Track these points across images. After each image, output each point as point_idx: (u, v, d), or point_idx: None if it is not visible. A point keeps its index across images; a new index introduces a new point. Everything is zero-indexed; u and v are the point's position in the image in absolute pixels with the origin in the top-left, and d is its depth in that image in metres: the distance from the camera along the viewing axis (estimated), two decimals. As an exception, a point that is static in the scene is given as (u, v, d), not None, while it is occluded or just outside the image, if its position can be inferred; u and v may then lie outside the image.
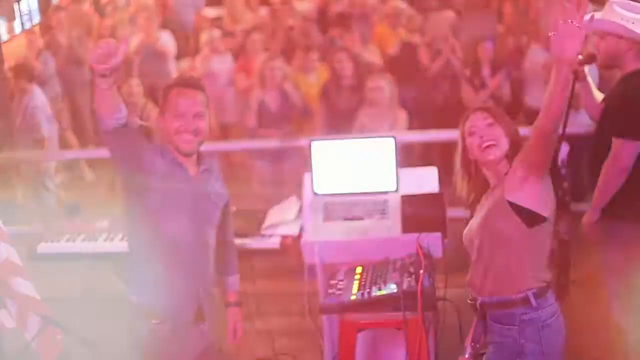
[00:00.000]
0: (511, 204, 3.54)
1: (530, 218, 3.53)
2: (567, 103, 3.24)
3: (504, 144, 3.66)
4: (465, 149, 3.78)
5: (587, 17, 4.75)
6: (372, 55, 8.99)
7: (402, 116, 7.37)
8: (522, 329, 3.62)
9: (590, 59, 4.71)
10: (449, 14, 9.95)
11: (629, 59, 4.62)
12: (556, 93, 3.21)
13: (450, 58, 8.74)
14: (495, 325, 3.70)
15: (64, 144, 10.26)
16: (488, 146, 3.65)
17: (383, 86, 7.30)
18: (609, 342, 5.26)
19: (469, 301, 3.81)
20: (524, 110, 8.52)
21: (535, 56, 8.47)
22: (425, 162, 7.01)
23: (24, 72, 8.64)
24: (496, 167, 3.67)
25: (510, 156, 3.63)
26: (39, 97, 8.58)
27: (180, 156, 3.93)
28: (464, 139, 3.77)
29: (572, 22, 3.08)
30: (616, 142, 4.55)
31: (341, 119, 7.64)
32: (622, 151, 4.54)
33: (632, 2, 4.59)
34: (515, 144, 3.63)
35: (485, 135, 3.66)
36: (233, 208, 4.90)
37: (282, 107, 7.68)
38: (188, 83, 3.95)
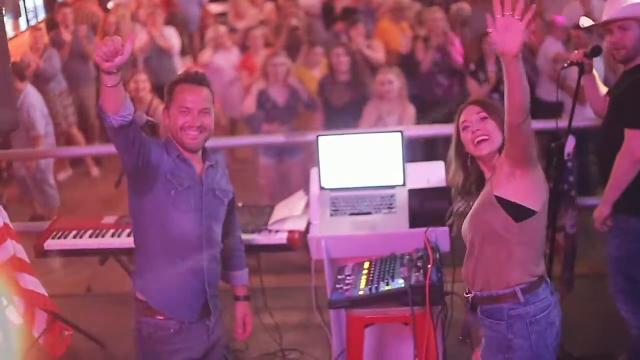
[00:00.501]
0: (499, 198, 3.51)
1: (518, 212, 3.50)
2: (525, 93, 3.20)
3: (498, 139, 3.61)
4: (459, 142, 3.76)
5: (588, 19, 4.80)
6: (376, 51, 8.97)
7: (411, 109, 7.38)
8: (510, 324, 3.59)
9: (596, 51, 4.70)
10: (464, 6, 9.96)
11: None
12: (512, 86, 3.17)
13: (451, 52, 8.73)
14: (486, 320, 3.68)
15: (69, 141, 10.29)
16: (481, 141, 3.62)
17: (392, 79, 7.33)
18: (613, 334, 5.27)
19: (465, 294, 3.81)
20: (536, 103, 8.50)
21: (548, 48, 8.45)
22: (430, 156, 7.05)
23: (16, 71, 8.62)
24: (490, 161, 3.64)
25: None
26: (33, 95, 8.55)
27: (185, 152, 3.93)
28: (458, 132, 3.76)
29: (510, 15, 3.05)
30: (629, 134, 4.52)
31: (336, 114, 7.65)
32: (635, 142, 4.51)
33: None
34: None
35: (478, 130, 3.63)
36: (239, 204, 4.91)
37: (289, 101, 7.67)
38: (193, 79, 3.93)
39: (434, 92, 8.68)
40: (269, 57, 7.85)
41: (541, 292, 3.59)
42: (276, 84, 7.66)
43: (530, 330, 3.56)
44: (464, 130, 3.70)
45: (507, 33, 3.05)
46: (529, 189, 3.50)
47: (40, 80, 9.82)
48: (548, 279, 3.67)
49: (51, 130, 8.81)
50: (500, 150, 3.60)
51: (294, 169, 7.74)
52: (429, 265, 4.19)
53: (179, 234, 3.88)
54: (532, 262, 3.59)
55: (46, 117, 8.66)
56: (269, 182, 7.93)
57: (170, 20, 11.34)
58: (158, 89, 8.84)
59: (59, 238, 5.35)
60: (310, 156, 7.47)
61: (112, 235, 5.27)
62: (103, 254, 5.34)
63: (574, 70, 4.83)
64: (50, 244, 5.33)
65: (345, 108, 7.66)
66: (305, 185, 5.56)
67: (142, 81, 7.92)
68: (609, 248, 4.88)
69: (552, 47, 8.42)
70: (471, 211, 3.69)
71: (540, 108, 8.18)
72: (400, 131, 5.00)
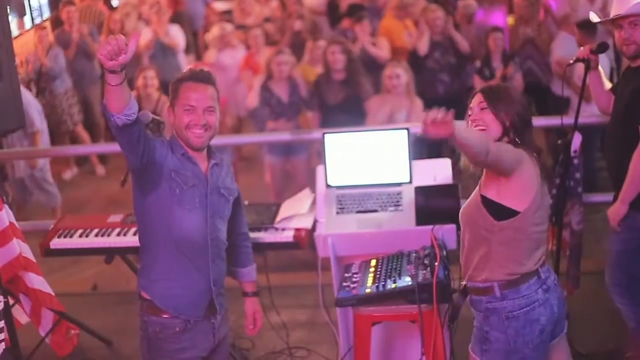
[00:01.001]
0: (484, 198, 3.59)
1: (500, 212, 3.56)
2: (477, 143, 3.30)
3: (495, 130, 3.62)
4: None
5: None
6: (381, 49, 8.95)
7: (419, 103, 7.40)
8: (487, 317, 3.67)
9: (603, 48, 4.69)
10: (471, 3, 9.95)
11: None
12: (461, 147, 3.32)
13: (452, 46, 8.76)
14: (471, 310, 3.81)
15: (75, 139, 10.29)
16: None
17: (400, 73, 7.37)
18: (621, 331, 5.26)
19: (462, 282, 3.90)
20: (552, 98, 8.51)
21: (561, 43, 8.41)
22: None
23: None
24: None
25: (508, 141, 3.62)
26: (25, 94, 8.51)
27: (190, 150, 3.91)
28: (468, 118, 3.79)
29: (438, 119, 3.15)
30: None
31: (330, 112, 7.65)
32: None
33: None
34: (513, 130, 3.61)
35: (476, 120, 3.65)
36: (245, 202, 4.90)
37: (292, 97, 7.66)
38: (199, 77, 3.92)
39: (436, 89, 8.68)
40: (273, 55, 7.83)
41: (524, 288, 3.62)
42: (280, 81, 7.65)
43: (506, 325, 3.63)
44: (469, 118, 3.73)
45: (438, 127, 3.15)
46: (514, 190, 3.54)
47: (46, 79, 9.83)
48: (542, 276, 3.66)
49: (45, 127, 8.77)
50: (499, 140, 3.62)
51: (299, 166, 7.74)
52: (436, 263, 4.18)
53: (184, 233, 3.87)
54: (514, 262, 3.62)
55: (41, 113, 8.64)
56: (275, 180, 7.93)
57: (176, 18, 11.34)
58: (163, 87, 8.84)
59: (64, 237, 5.32)
60: (315, 154, 7.49)
61: (118, 234, 5.24)
62: (109, 253, 5.31)
63: (581, 67, 4.83)
64: (56, 242, 5.30)
65: (339, 106, 7.64)
66: (311, 183, 5.54)
67: (150, 77, 7.91)
68: (611, 242, 4.87)
69: (565, 42, 8.39)
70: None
71: (554, 104, 8.24)
72: (407, 128, 4.98)
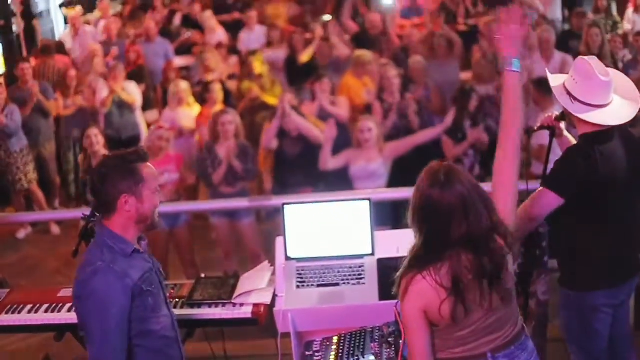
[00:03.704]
0: None
1: None
2: None
3: None
4: None
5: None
6: (340, 107, 8.86)
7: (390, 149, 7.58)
8: None
9: (563, 116, 4.64)
10: (418, 59, 9.81)
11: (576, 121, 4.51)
12: None
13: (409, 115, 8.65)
14: None
15: (29, 199, 10.13)
16: None
17: (372, 127, 7.48)
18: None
19: None
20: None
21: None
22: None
23: None
24: None
25: None
26: None
27: (133, 241, 3.75)
28: None
29: None
30: (539, 189, 4.43)
31: (289, 167, 7.77)
32: (540, 198, 4.37)
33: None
34: None
35: None
36: (202, 275, 4.77)
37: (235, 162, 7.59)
38: (147, 157, 3.79)
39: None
40: (217, 115, 7.80)
41: None
42: (225, 142, 7.56)
43: None
44: None
45: None
46: None
47: (1, 137, 9.69)
48: None
49: None
50: None
51: (246, 230, 7.68)
52: (401, 341, 4.03)
53: (161, 333, 3.78)
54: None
55: None
56: (222, 242, 7.89)
57: (136, 74, 11.27)
58: (118, 144, 8.77)
59: (13, 313, 5.16)
60: (261, 218, 7.46)
61: (69, 310, 5.05)
62: (60, 330, 5.13)
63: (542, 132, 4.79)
64: (4, 319, 5.14)
65: (296, 161, 7.80)
66: (261, 248, 5.38)
67: (95, 135, 7.95)
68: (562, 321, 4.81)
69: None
70: None
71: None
72: (369, 199, 4.86)
